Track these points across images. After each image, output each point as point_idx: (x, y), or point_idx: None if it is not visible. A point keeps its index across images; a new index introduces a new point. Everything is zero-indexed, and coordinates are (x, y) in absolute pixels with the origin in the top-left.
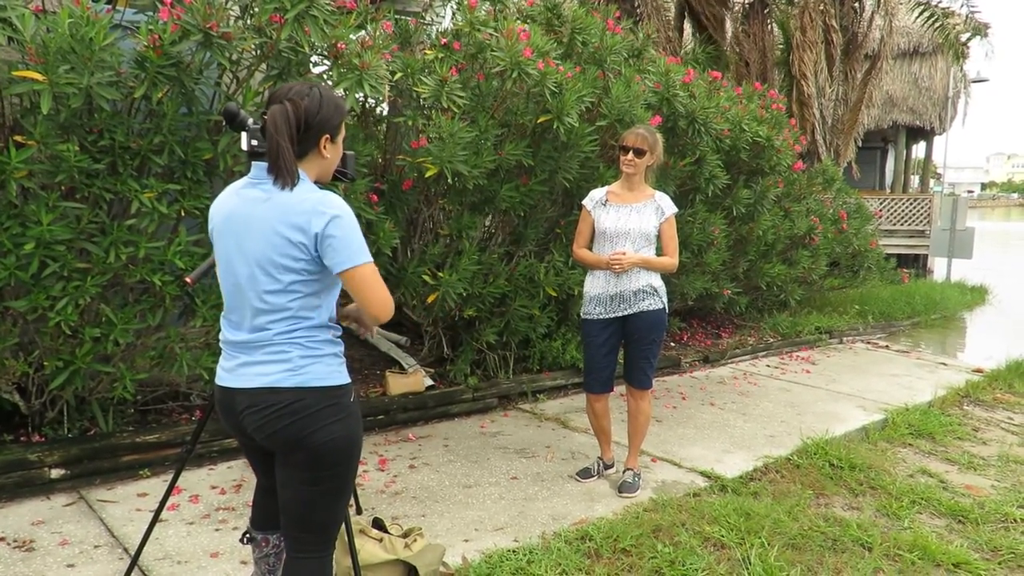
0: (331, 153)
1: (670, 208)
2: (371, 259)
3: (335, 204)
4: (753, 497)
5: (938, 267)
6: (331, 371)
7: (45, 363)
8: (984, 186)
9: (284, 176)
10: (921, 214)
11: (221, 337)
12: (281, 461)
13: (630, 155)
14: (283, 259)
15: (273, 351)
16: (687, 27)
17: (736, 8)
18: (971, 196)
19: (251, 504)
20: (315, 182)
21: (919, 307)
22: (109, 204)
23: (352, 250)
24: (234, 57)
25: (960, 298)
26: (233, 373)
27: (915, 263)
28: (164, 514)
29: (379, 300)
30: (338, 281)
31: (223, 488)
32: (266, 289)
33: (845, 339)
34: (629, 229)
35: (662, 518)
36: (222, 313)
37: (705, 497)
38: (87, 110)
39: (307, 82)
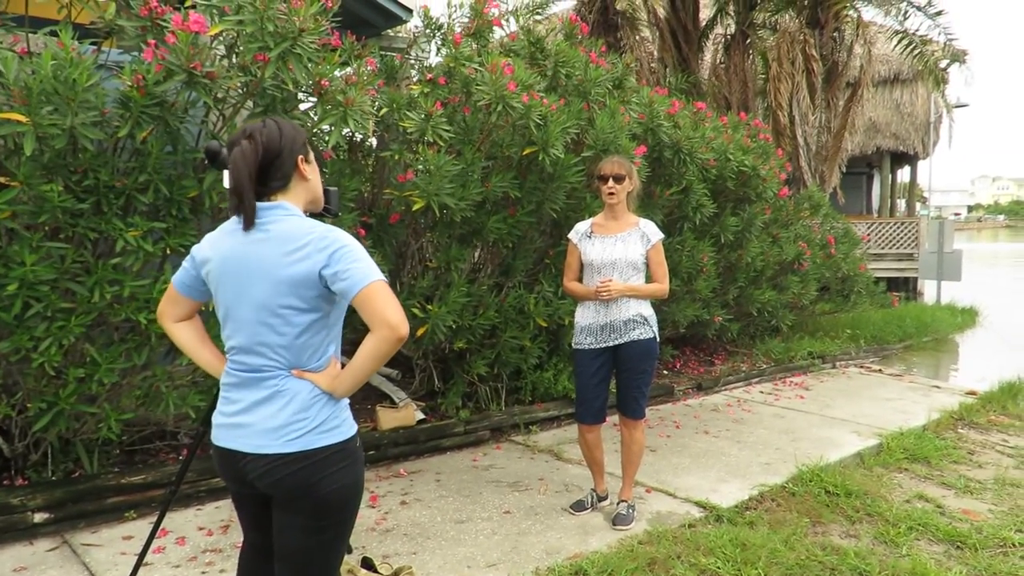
0: (311, 173)
1: (656, 235)
2: (383, 277)
3: (336, 238)
4: (749, 527)
5: (928, 289)
6: (339, 419)
7: (28, 405)
8: (970, 208)
9: (248, 215)
10: (909, 237)
11: (222, 381)
12: (283, 508)
13: (610, 183)
14: (289, 299)
15: (280, 398)
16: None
17: (717, 39)
18: (958, 218)
19: (238, 563)
20: (308, 212)
21: (910, 330)
22: (94, 243)
23: (363, 271)
24: (219, 95)
25: (951, 320)
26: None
27: (905, 286)
28: (150, 557)
29: (396, 310)
30: (340, 321)
31: (210, 529)
32: (274, 332)
33: (838, 363)
34: (615, 259)
35: (657, 550)
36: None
37: (700, 528)
38: (71, 150)
39: (259, 119)
